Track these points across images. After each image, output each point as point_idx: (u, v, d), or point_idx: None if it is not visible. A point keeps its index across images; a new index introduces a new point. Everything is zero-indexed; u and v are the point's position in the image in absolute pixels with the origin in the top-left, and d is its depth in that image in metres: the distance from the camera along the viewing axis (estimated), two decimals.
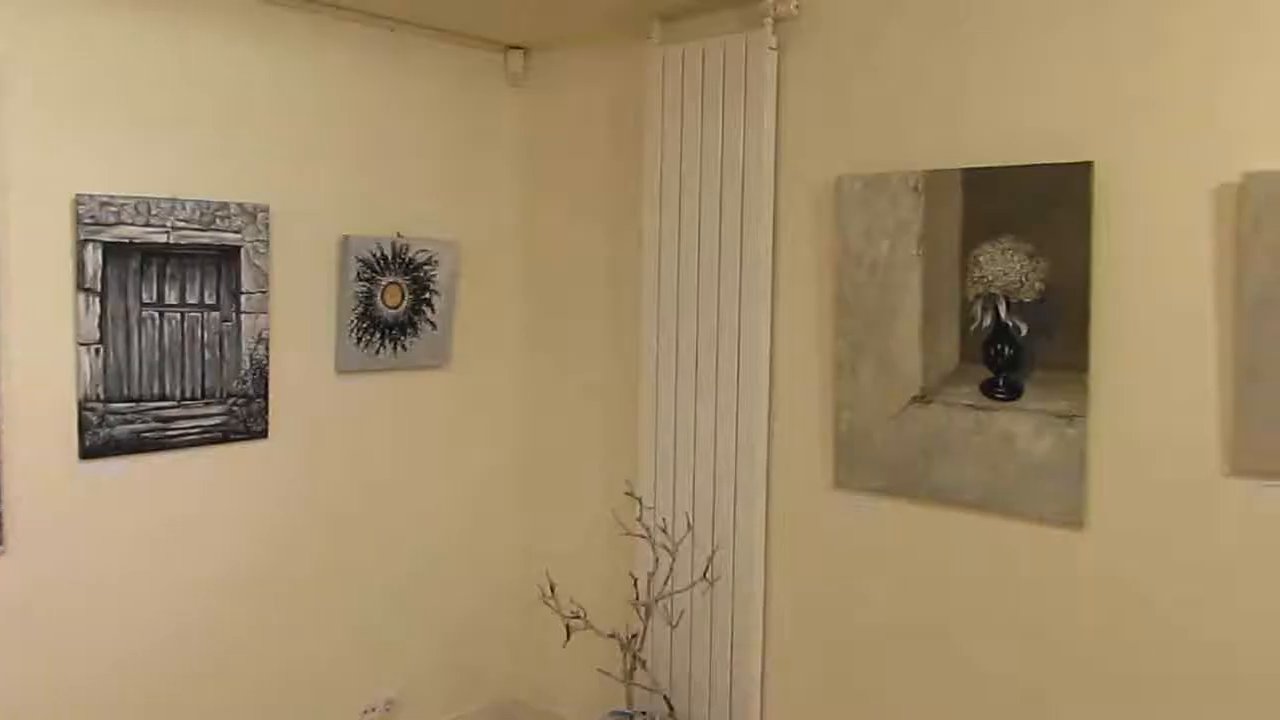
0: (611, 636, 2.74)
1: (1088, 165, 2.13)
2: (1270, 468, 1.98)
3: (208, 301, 2.56)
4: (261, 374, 2.66)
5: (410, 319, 2.97)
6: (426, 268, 2.98)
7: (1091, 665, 2.22)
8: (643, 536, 2.73)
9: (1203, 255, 2.05)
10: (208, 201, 2.54)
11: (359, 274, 2.84)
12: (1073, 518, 2.21)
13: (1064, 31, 2.20)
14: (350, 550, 2.92)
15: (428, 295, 3.00)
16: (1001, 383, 2.28)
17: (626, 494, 2.81)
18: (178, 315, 2.51)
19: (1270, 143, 1.96)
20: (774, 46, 2.60)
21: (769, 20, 2.58)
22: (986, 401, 2.31)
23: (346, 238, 2.81)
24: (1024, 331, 2.24)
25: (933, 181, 2.35)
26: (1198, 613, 2.09)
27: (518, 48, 3.24)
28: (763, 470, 2.68)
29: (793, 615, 2.68)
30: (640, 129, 2.86)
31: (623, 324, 3.00)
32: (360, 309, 2.85)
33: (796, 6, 2.56)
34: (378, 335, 2.90)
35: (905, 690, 2.50)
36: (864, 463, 2.51)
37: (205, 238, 2.54)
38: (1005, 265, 2.24)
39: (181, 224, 2.49)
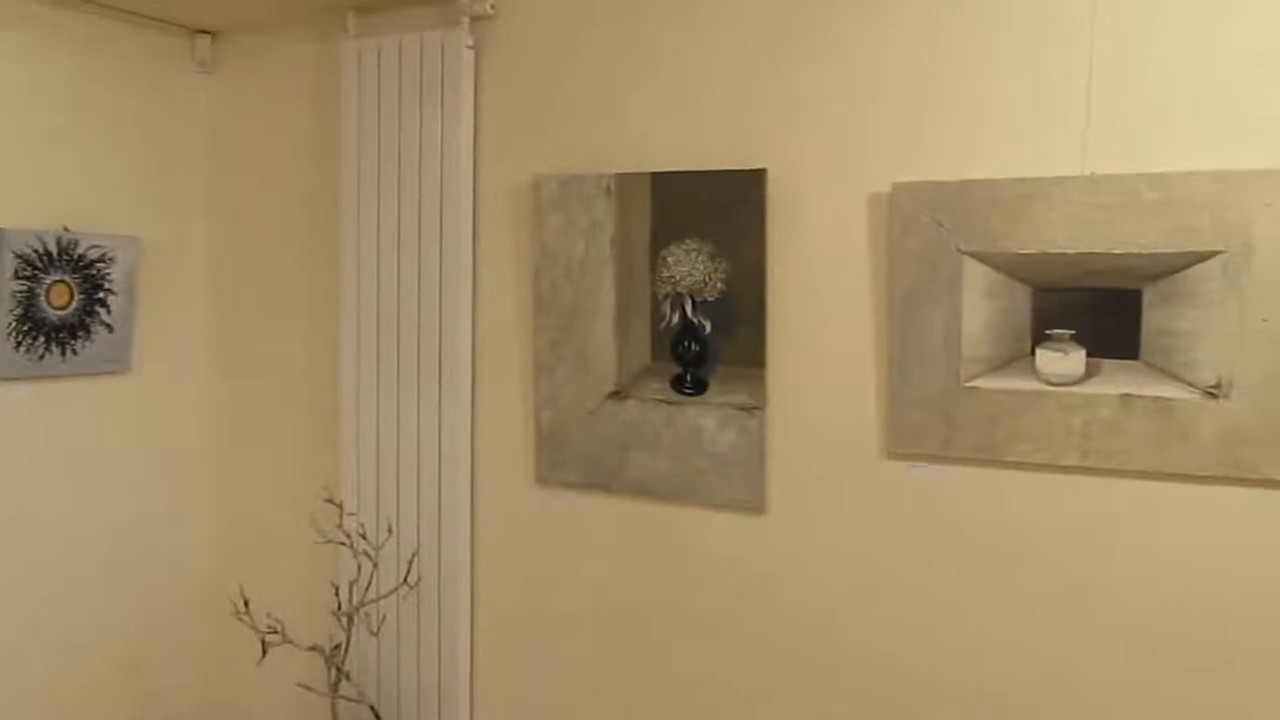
0: (313, 649, 2.63)
1: (761, 172, 2.27)
2: (917, 450, 2.19)
3: None
4: None
5: (82, 321, 2.73)
6: (100, 265, 2.75)
7: (775, 641, 2.37)
8: (343, 543, 2.65)
9: (861, 258, 2.24)
10: None
11: (17, 271, 2.58)
12: (755, 504, 2.35)
13: (743, 44, 2.33)
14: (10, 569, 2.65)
15: (102, 295, 2.77)
16: (689, 378, 2.39)
17: (326, 500, 2.71)
18: None
19: (914, 156, 2.16)
20: (471, 45, 2.59)
21: (465, 19, 2.57)
22: (676, 396, 2.41)
23: (2, 231, 2.55)
24: (708, 329, 2.35)
25: (624, 184, 2.43)
26: (864, 585, 2.27)
27: (205, 32, 3.05)
28: (467, 470, 2.67)
29: (501, 614, 2.69)
30: (337, 125, 2.77)
31: (321, 325, 2.89)
32: (20, 310, 2.59)
33: (492, 6, 2.57)
34: (42, 339, 2.65)
35: (611, 679, 2.57)
36: (564, 459, 2.55)
37: None
38: (690, 266, 2.35)
39: None
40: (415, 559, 2.64)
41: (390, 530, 2.67)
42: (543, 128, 2.56)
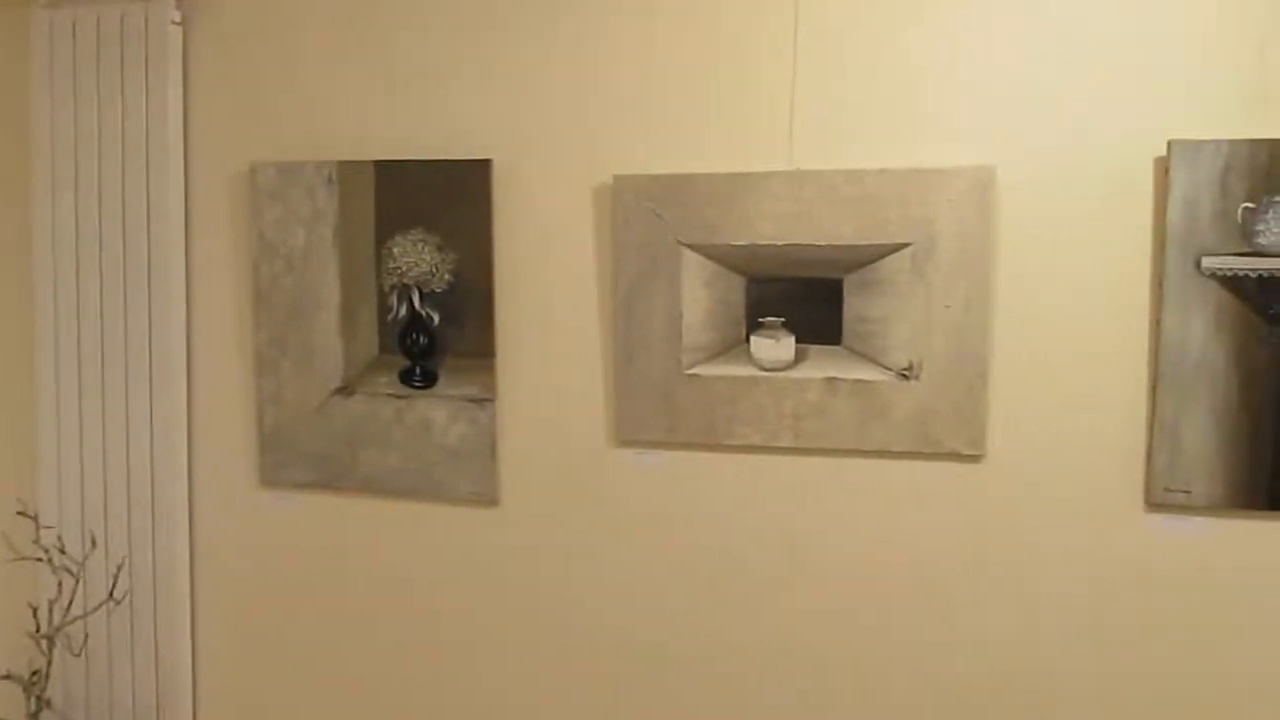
0: (7, 678, 2.41)
1: (487, 162, 2.26)
2: (643, 437, 2.24)
3: None
4: None
5: None
6: None
7: (511, 631, 2.37)
8: (40, 559, 2.43)
9: (587, 249, 2.26)
10: None
11: None
12: (488, 496, 2.34)
13: (470, 32, 2.30)
14: None
15: None
16: (419, 371, 2.35)
17: (19, 513, 2.47)
18: None
19: (635, 150, 2.21)
20: (178, 21, 2.43)
21: None
22: (406, 390, 2.36)
23: None
24: (436, 321, 2.31)
25: (347, 172, 2.35)
26: (596, 571, 2.31)
27: None
28: (183, 475, 2.51)
29: (227, 625, 2.55)
30: (27, 105, 2.53)
31: (13, 323, 2.63)
32: None
33: None
34: None
35: (349, 683, 2.49)
36: (291, 458, 2.45)
37: None
38: (417, 257, 2.30)
39: None
40: (121, 571, 2.46)
41: (94, 542, 2.47)
42: (260, 112, 2.44)
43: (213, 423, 2.52)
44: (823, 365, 2.14)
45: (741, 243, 2.14)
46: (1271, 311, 1.93)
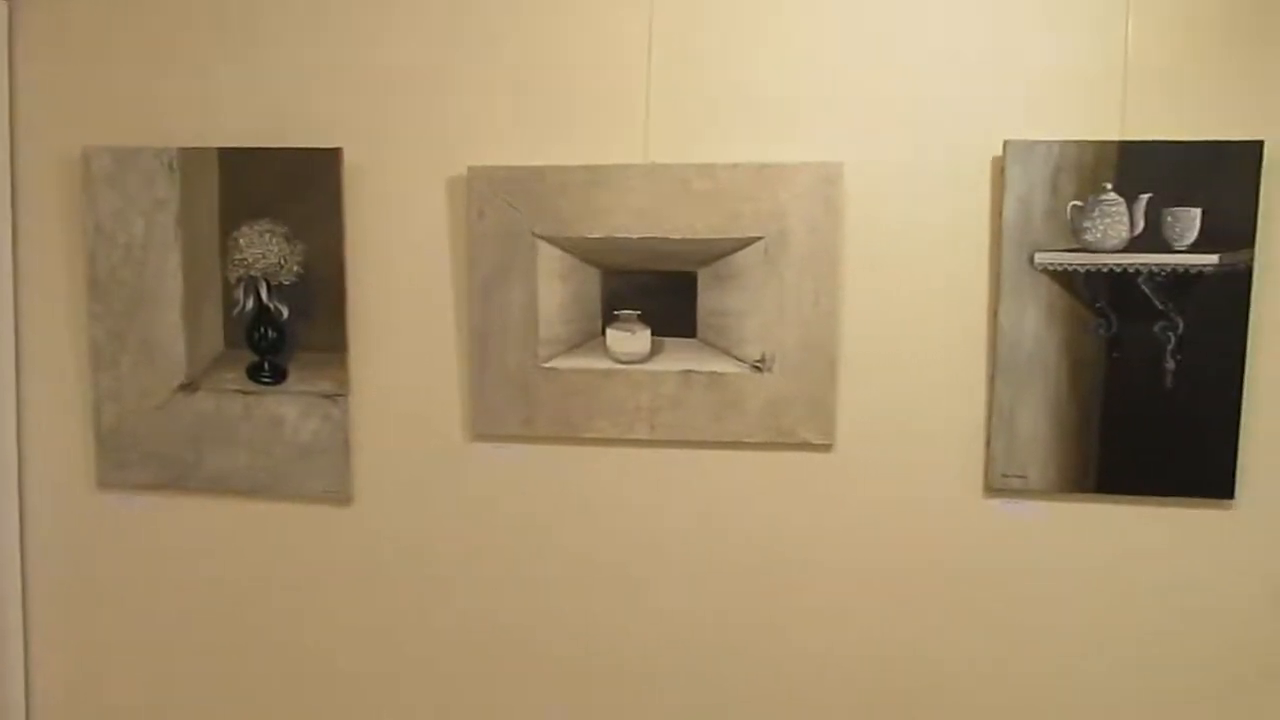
0: None
1: (337, 151, 2.20)
2: (500, 431, 2.22)
3: None
4: None
5: None
6: None
7: (368, 630, 2.33)
8: None
9: (442, 241, 2.23)
10: None
11: None
12: (341, 494, 2.28)
13: (320, 17, 2.23)
14: None
15: None
16: (267, 366, 2.27)
17: None
18: None
19: (491, 141, 2.18)
20: None
21: None
22: (254, 386, 2.28)
23: None
24: (286, 314, 2.24)
25: (189, 159, 2.25)
26: (453, 569, 2.28)
27: None
28: (12, 478, 2.38)
29: (64, 635, 2.43)
30: None
31: None
32: None
33: None
34: None
35: (197, 688, 2.40)
36: (131, 458, 2.34)
37: None
38: (264, 248, 2.23)
39: None
40: None
41: None
42: (95, 94, 2.32)
43: (45, 422, 2.39)
44: (678, 358, 2.16)
45: (597, 235, 2.14)
46: (1097, 305, 2.03)
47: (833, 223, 2.08)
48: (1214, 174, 1.95)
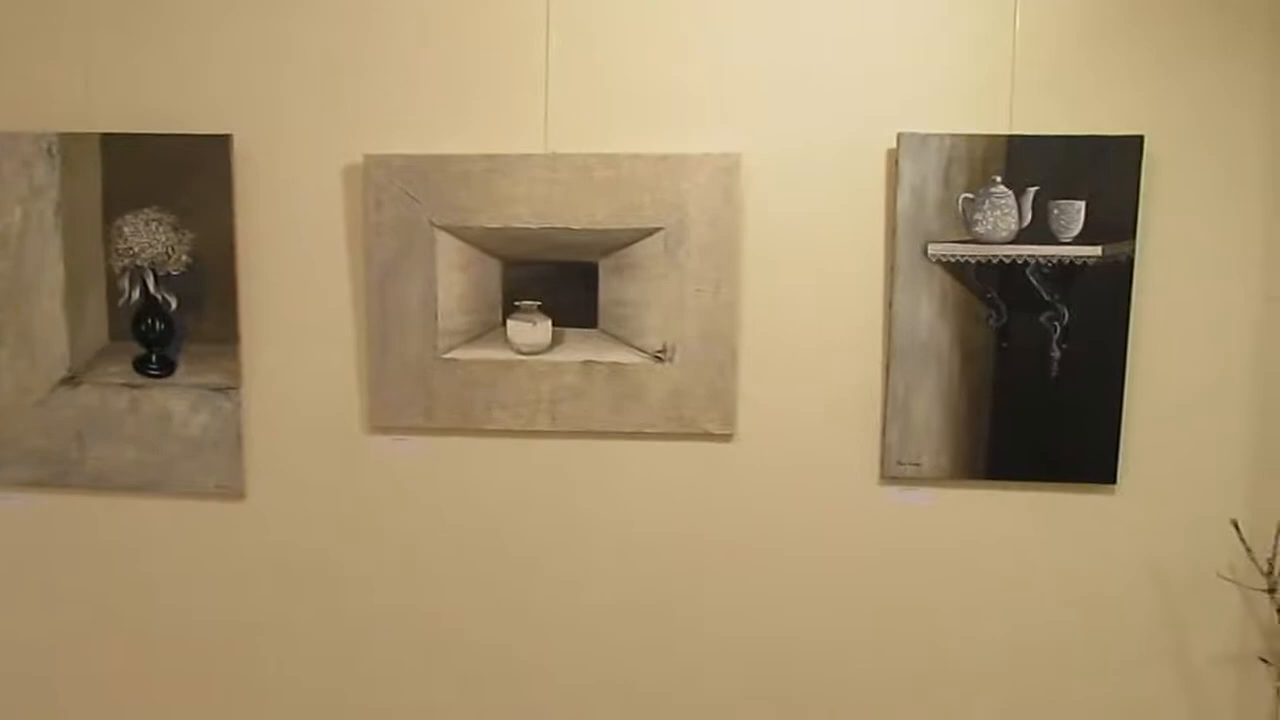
0: None
1: (227, 138, 2.13)
2: (399, 423, 2.19)
3: None
4: None
5: None
6: None
7: (262, 627, 2.27)
8: None
9: (338, 230, 2.18)
10: None
11: None
12: (233, 489, 2.23)
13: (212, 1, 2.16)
14: None
15: None
16: (155, 359, 2.20)
17: None
18: None
19: (388, 130, 2.14)
20: None
21: None
22: (141, 379, 2.21)
23: None
24: (174, 305, 2.18)
25: (70, 145, 2.17)
26: (351, 563, 2.24)
27: None
28: None
29: None
30: None
31: None
32: None
33: None
34: None
35: (86, 694, 2.31)
36: (9, 455, 2.25)
37: None
38: (150, 237, 2.16)
39: None
40: None
41: None
42: None
43: None
44: (579, 348, 2.15)
45: (496, 225, 2.12)
46: (988, 295, 2.07)
47: (732, 214, 2.09)
48: (1097, 167, 2.01)
